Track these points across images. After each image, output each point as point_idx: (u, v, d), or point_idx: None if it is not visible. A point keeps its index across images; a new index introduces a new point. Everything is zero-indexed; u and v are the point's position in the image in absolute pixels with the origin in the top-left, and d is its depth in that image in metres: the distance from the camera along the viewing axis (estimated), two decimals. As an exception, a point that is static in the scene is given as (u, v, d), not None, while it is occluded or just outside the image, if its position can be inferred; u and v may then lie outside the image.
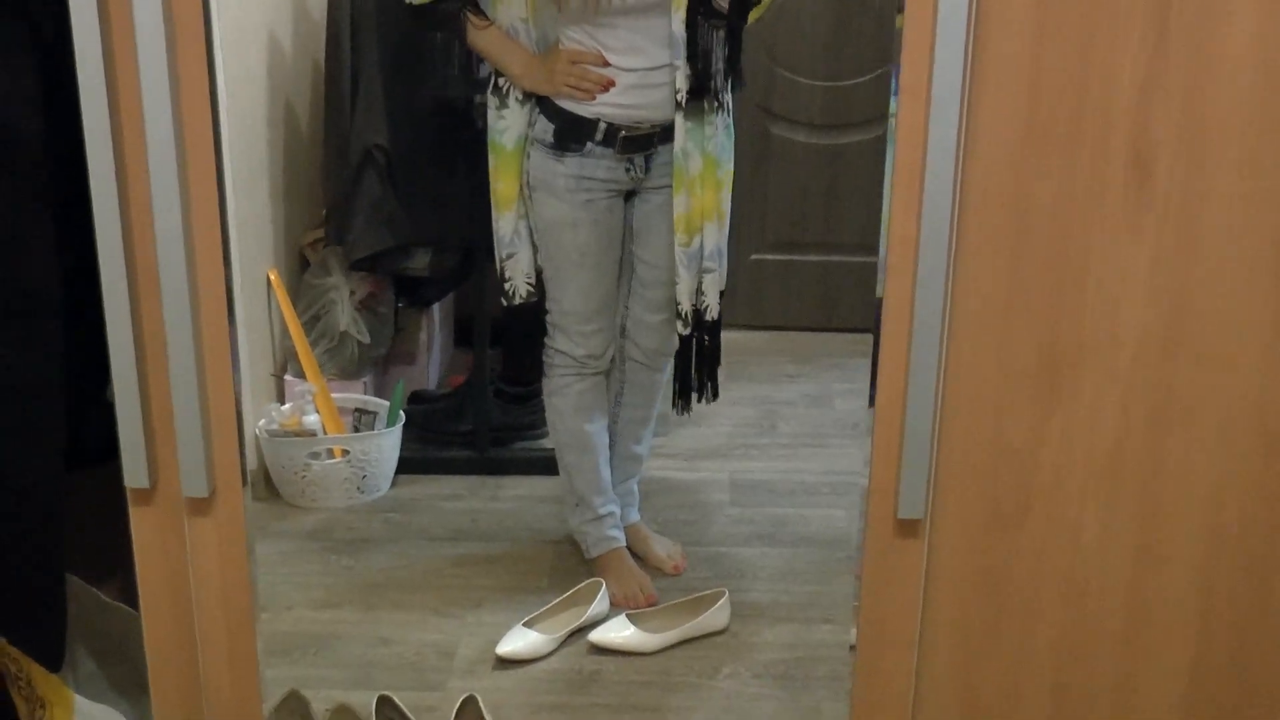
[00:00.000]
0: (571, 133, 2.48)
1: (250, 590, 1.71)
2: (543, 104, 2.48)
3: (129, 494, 1.65)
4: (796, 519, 3.01)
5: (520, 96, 2.49)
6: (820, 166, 4.04)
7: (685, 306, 2.56)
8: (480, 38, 2.48)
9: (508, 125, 2.51)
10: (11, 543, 1.77)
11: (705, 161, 2.48)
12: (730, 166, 2.54)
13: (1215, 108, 1.52)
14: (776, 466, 3.28)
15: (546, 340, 2.65)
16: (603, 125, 2.47)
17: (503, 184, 2.55)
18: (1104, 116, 1.52)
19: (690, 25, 2.39)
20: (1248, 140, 1.54)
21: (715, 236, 2.53)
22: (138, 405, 1.58)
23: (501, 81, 2.50)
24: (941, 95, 1.48)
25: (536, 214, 2.56)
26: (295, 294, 3.14)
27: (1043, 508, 1.68)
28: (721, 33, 2.42)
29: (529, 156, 2.52)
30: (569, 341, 2.63)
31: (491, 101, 2.53)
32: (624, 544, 2.76)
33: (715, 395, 2.67)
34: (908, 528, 1.67)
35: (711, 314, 2.57)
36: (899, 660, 1.75)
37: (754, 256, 3.97)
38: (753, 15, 2.44)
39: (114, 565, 1.89)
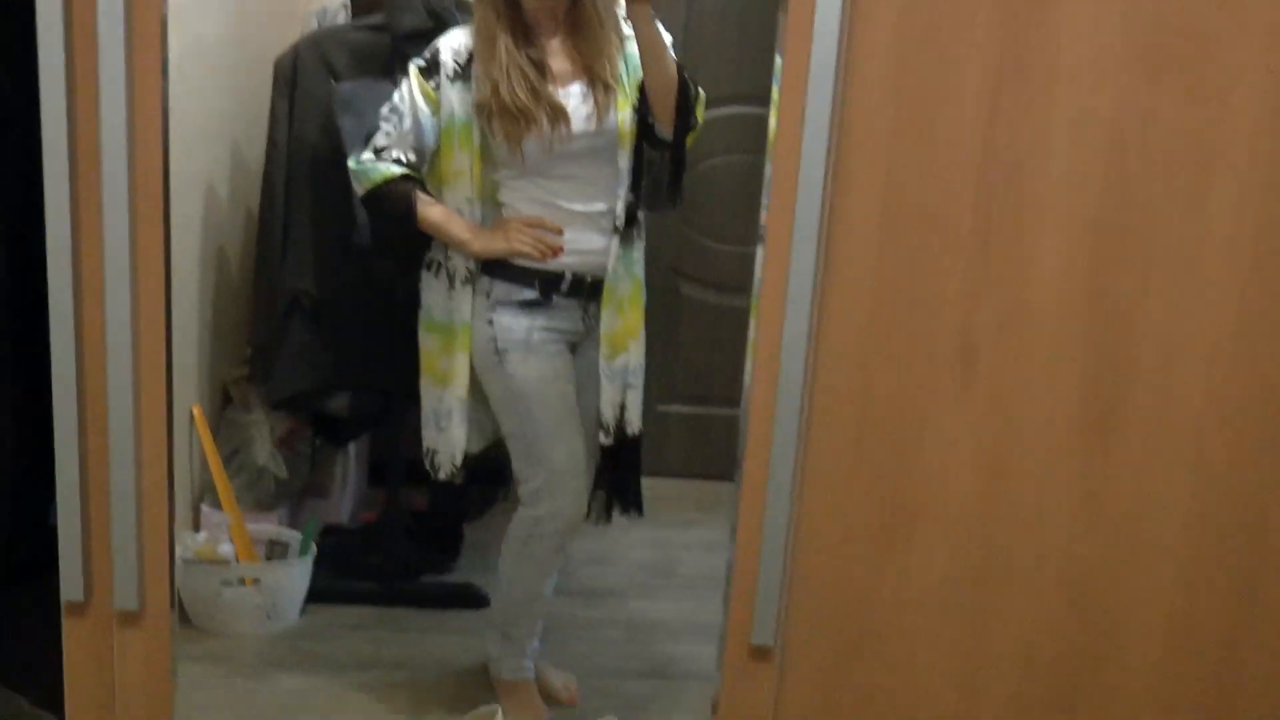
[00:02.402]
0: (544, 287, 2.63)
1: (171, 698, 1.83)
2: (503, 270, 2.63)
3: (64, 606, 1.78)
4: (689, 656, 3.12)
5: (465, 277, 2.64)
6: (727, 325, 4.23)
7: (608, 417, 2.69)
8: (429, 212, 2.62)
9: (457, 305, 2.66)
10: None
11: (633, 284, 2.67)
12: (644, 289, 2.73)
13: (1029, 310, 1.78)
14: (673, 607, 3.40)
15: (528, 510, 2.70)
16: (569, 276, 2.64)
17: (445, 359, 2.69)
18: (935, 315, 1.77)
19: (636, 157, 2.60)
20: (1054, 339, 1.80)
21: (638, 355, 2.69)
22: (79, 524, 1.72)
23: (452, 267, 2.65)
24: (796, 290, 1.71)
25: (511, 378, 2.65)
26: (216, 428, 3.27)
27: (882, 644, 1.88)
28: (661, 156, 2.62)
29: (492, 324, 2.64)
30: (564, 500, 2.68)
31: (436, 285, 2.68)
32: (533, 676, 2.87)
33: (640, 510, 2.80)
34: (760, 654, 1.85)
35: (633, 429, 2.71)
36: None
37: (660, 408, 4.13)
38: (690, 139, 2.61)
39: (38, 675, 2.00)
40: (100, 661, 1.82)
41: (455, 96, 2.60)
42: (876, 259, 1.75)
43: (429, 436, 2.76)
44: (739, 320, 4.13)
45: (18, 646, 1.99)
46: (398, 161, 2.63)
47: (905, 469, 1.83)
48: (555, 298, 2.65)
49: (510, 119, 2.54)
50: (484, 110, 2.56)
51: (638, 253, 2.68)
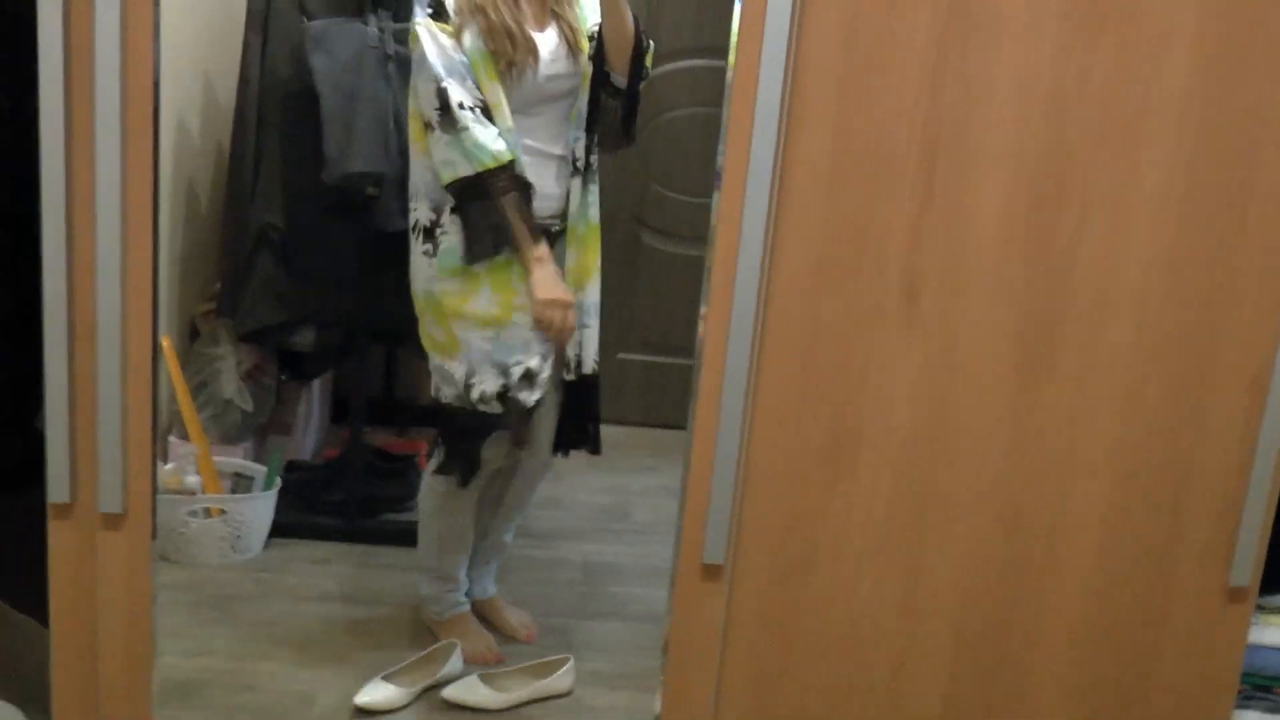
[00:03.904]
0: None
1: (150, 599, 1.88)
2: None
3: (50, 509, 1.82)
4: (642, 598, 3.19)
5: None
6: (686, 275, 4.27)
7: (569, 354, 2.72)
8: (516, 223, 2.59)
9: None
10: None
11: (588, 226, 2.72)
12: (599, 233, 2.78)
13: (970, 249, 1.86)
14: (627, 550, 3.46)
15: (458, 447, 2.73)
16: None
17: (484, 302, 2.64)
18: (881, 252, 1.85)
19: (593, 101, 2.67)
20: (994, 277, 1.87)
21: (594, 294, 2.74)
22: (66, 427, 1.76)
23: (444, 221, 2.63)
24: (750, 226, 1.78)
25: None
26: (185, 361, 3.29)
27: (826, 565, 1.97)
28: (616, 102, 2.70)
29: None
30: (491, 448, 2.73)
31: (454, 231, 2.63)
32: (469, 609, 2.93)
33: (598, 449, 2.85)
34: (711, 572, 1.93)
35: (588, 367, 2.75)
36: (700, 699, 1.99)
37: (620, 355, 4.19)
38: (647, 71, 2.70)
39: (21, 581, 2.03)
40: (83, 564, 1.85)
41: (467, 31, 2.60)
42: (826, 197, 1.82)
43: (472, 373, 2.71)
44: (697, 270, 4.19)
45: (1, 553, 2.01)
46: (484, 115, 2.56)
47: (850, 399, 1.91)
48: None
49: (500, 39, 2.57)
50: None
51: (593, 195, 2.74)
